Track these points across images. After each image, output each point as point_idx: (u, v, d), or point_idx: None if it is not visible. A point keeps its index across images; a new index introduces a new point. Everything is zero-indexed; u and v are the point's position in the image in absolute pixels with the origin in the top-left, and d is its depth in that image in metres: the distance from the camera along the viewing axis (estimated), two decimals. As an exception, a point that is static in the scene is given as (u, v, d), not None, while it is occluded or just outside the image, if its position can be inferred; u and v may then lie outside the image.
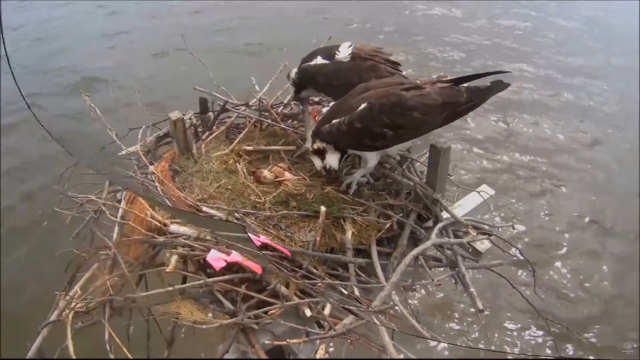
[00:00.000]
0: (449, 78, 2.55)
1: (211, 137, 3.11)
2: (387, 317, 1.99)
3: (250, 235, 2.14)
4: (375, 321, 1.93)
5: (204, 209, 2.43)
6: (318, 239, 2.31)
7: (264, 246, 2.17)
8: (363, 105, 2.39)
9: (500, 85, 2.46)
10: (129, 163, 2.90)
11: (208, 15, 11.92)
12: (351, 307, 2.00)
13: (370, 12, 12.08)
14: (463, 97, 2.41)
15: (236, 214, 2.41)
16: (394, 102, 2.37)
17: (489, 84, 2.48)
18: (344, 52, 2.76)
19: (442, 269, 2.56)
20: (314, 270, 2.21)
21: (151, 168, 2.72)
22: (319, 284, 2.12)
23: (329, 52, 2.81)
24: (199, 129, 3.20)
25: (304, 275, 2.15)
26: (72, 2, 12.44)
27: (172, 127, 2.84)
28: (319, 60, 2.81)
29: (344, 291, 2.13)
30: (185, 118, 2.89)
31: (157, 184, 2.64)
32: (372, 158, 2.57)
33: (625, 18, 11.60)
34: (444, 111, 2.41)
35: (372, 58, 2.74)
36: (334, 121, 2.47)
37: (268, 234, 2.35)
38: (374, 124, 2.37)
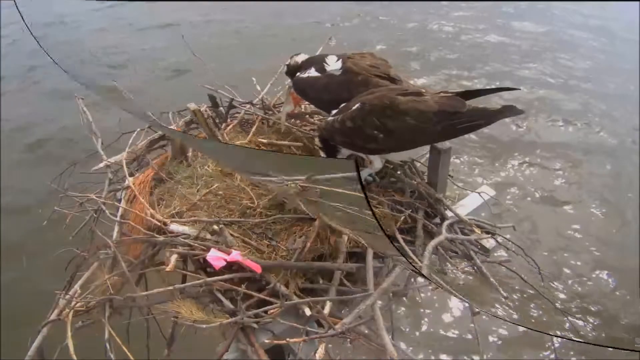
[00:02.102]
0: (457, 90, 2.51)
1: (229, 128, 3.14)
2: (352, 339, 1.94)
3: (218, 252, 2.13)
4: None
5: (172, 226, 2.37)
6: (309, 243, 2.26)
7: (230, 265, 2.13)
8: (356, 105, 2.38)
9: (511, 111, 2.33)
10: (104, 177, 2.90)
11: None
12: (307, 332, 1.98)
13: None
14: (464, 107, 2.32)
15: (215, 226, 2.34)
16: (385, 104, 2.33)
17: (500, 107, 2.35)
18: (333, 65, 2.68)
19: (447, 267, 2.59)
20: (281, 289, 2.13)
21: (128, 181, 2.66)
22: (272, 311, 2.03)
23: (322, 65, 2.72)
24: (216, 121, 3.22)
25: (259, 301, 2.11)
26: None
27: (193, 116, 2.82)
28: (312, 72, 2.74)
29: (307, 311, 2.05)
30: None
31: (121, 202, 2.62)
32: (376, 159, 2.56)
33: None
34: (441, 120, 2.31)
35: (365, 73, 2.62)
36: (329, 118, 2.47)
37: (246, 246, 2.30)
38: (364, 125, 2.34)
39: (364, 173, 2.62)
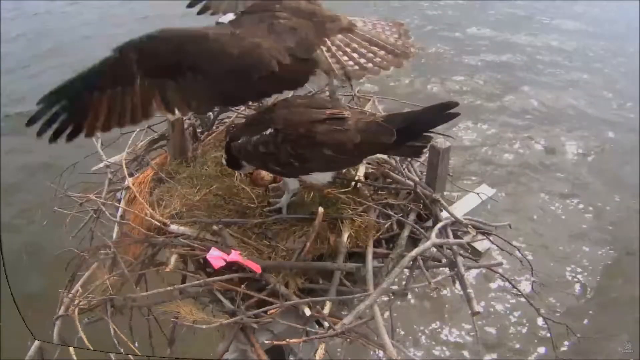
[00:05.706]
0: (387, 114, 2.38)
1: (210, 137, 3.08)
2: (352, 339, 1.95)
3: (218, 252, 2.12)
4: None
5: (172, 227, 2.34)
6: (308, 244, 2.23)
7: (230, 265, 2.12)
8: (269, 130, 2.20)
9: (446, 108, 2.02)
10: (104, 177, 2.89)
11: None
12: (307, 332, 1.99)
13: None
14: (390, 138, 2.07)
15: (215, 227, 2.31)
16: (300, 133, 2.13)
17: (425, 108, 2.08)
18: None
19: (437, 270, 2.56)
20: (281, 289, 2.13)
21: (128, 181, 2.65)
22: (272, 311, 2.02)
23: None
24: (198, 130, 3.18)
25: (259, 301, 2.10)
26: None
27: (169, 127, 2.80)
28: None
29: (307, 311, 2.04)
30: (184, 118, 2.87)
31: (121, 203, 2.61)
32: (292, 181, 2.43)
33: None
34: (365, 151, 2.21)
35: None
36: (242, 138, 2.29)
37: (246, 246, 2.29)
38: (278, 152, 2.18)
39: (284, 199, 2.47)
